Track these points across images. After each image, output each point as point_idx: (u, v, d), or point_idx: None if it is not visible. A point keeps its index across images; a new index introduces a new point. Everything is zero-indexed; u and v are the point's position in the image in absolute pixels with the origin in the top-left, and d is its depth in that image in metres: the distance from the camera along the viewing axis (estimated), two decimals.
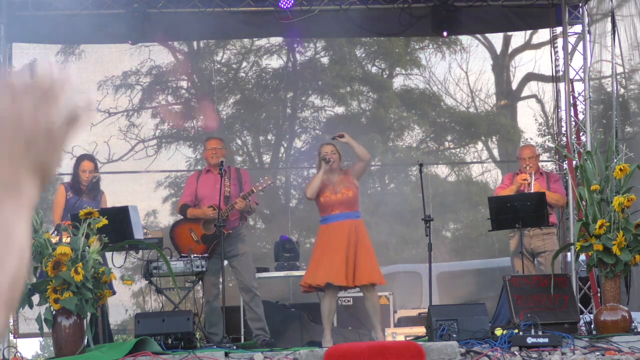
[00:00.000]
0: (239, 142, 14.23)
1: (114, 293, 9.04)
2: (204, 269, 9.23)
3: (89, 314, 7.52)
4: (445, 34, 11.32)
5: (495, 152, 14.12)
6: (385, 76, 14.56)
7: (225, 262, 9.13)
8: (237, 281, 9.50)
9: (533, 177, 9.58)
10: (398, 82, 14.26)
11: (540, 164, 10.00)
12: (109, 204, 9.34)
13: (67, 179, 12.46)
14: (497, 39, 13.41)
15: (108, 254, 8.56)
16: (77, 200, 9.08)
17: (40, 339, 17.82)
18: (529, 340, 7.54)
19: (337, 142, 8.97)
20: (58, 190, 9.35)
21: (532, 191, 9.49)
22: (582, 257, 9.08)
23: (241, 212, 9.17)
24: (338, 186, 8.83)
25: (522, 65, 13.57)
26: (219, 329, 8.95)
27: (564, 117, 11.28)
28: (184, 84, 13.72)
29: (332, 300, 8.86)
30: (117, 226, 8.29)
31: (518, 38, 13.40)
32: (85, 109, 1.37)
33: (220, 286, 9.16)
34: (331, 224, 8.78)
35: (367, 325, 9.45)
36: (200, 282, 9.53)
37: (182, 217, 9.43)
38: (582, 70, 10.90)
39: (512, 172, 10.14)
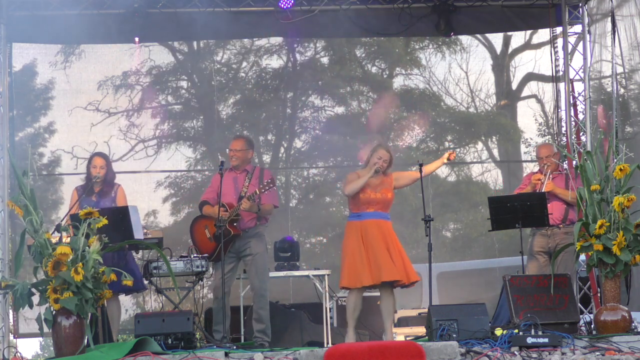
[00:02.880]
0: None
1: (144, 289, 9.32)
2: (204, 269, 9.25)
3: (89, 314, 7.52)
4: (452, 34, 11.35)
5: (495, 152, 14.11)
6: (385, 76, 14.55)
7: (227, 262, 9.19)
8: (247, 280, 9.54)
9: (547, 177, 9.60)
10: (398, 82, 14.26)
11: (557, 162, 9.97)
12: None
13: (67, 179, 12.51)
14: (497, 39, 13.41)
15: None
16: (88, 200, 9.08)
17: (40, 339, 17.85)
18: (529, 340, 7.53)
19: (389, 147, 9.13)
20: (72, 195, 9.37)
21: (543, 190, 9.51)
22: (582, 257, 9.08)
23: (258, 214, 9.20)
24: (379, 186, 8.88)
25: (522, 65, 13.57)
26: (223, 328, 8.96)
27: (564, 117, 11.28)
28: (184, 84, 13.72)
29: (359, 297, 8.84)
30: (117, 226, 8.29)
31: (518, 38, 13.39)
32: None
33: (231, 285, 9.24)
34: (365, 220, 8.80)
35: (373, 326, 9.41)
36: (200, 282, 9.56)
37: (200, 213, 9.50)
38: (582, 70, 10.90)
39: (532, 172, 10.16)
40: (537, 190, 9.58)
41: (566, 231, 9.57)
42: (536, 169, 10.17)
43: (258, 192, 9.10)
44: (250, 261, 9.24)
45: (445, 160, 9.15)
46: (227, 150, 9.54)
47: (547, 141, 12.39)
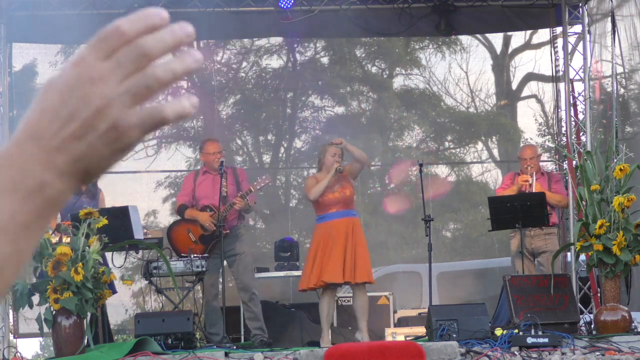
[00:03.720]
0: (239, 142, 14.22)
1: (114, 292, 9.06)
2: (203, 269, 9.24)
3: (89, 314, 7.52)
4: (453, 33, 11.34)
5: (495, 152, 14.11)
6: (385, 76, 14.56)
7: (224, 262, 9.15)
8: (235, 281, 9.51)
9: (534, 178, 9.58)
10: (398, 82, 14.26)
11: (540, 164, 10.00)
12: (109, 204, 9.34)
13: None
14: (497, 39, 13.41)
15: (108, 254, 8.56)
16: (77, 200, 9.07)
17: (40, 339, 17.83)
18: (529, 340, 7.54)
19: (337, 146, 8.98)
20: None
21: (533, 192, 9.49)
22: (582, 257, 9.08)
23: (239, 211, 9.18)
24: (335, 185, 8.83)
25: (522, 65, 13.57)
26: (219, 329, 8.95)
27: (564, 117, 11.28)
28: (184, 84, 13.71)
29: (331, 300, 8.85)
30: (117, 226, 8.29)
31: (518, 38, 13.39)
32: (179, 113, 0.92)
33: (220, 286, 9.18)
34: (329, 222, 8.78)
35: (373, 326, 9.42)
36: (200, 282, 9.54)
37: (179, 217, 9.44)
38: (582, 70, 10.89)
39: (513, 171, 10.14)
40: (526, 192, 9.56)
41: (547, 232, 9.58)
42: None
43: (252, 190, 9.05)
44: (237, 260, 9.18)
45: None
46: (207, 154, 9.30)
47: (547, 141, 12.40)
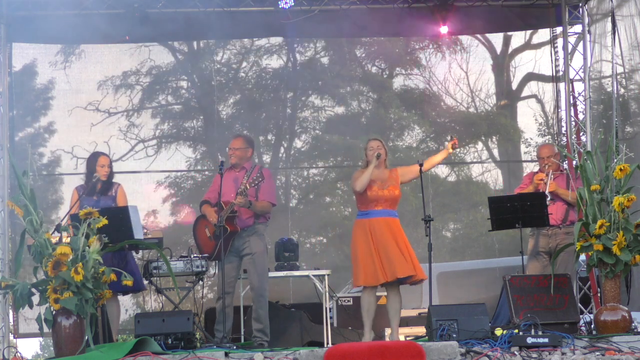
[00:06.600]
0: None
1: (144, 288, 9.28)
2: (204, 269, 9.26)
3: (89, 314, 7.52)
4: (445, 29, 11.28)
5: (495, 152, 14.11)
6: (385, 76, 14.55)
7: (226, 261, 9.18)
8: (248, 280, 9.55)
9: (550, 177, 9.61)
10: (398, 82, 14.25)
11: (559, 162, 9.99)
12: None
13: (67, 179, 12.50)
14: (497, 39, 13.40)
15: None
16: (89, 199, 9.06)
17: (40, 339, 17.86)
18: (529, 340, 7.54)
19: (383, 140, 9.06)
20: (72, 195, 9.34)
21: (547, 190, 9.51)
22: (582, 257, 9.08)
23: (255, 211, 9.23)
24: (386, 182, 8.86)
25: (522, 65, 13.56)
26: (225, 327, 8.96)
27: (564, 117, 11.29)
28: (184, 84, 13.71)
29: (372, 296, 8.83)
30: (117, 226, 8.29)
31: (518, 38, 13.38)
32: None
33: (234, 284, 9.25)
34: (373, 218, 8.79)
35: (374, 326, 9.41)
36: (200, 282, 9.56)
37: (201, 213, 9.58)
38: (582, 70, 10.90)
39: (532, 171, 10.17)
40: (540, 190, 9.59)
41: (567, 231, 9.57)
42: (536, 168, 10.17)
43: (248, 187, 9.09)
44: (249, 260, 9.25)
45: (450, 150, 9.09)
46: (227, 149, 9.58)
47: (547, 141, 12.39)
